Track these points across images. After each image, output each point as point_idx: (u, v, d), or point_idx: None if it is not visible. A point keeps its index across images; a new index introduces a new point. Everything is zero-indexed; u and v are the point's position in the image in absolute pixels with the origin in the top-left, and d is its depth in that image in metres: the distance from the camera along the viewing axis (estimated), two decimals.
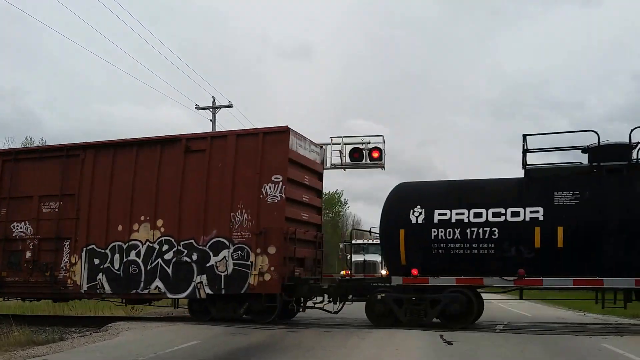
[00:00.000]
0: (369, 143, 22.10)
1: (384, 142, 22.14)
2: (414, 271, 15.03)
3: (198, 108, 35.72)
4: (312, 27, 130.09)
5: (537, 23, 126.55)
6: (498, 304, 22.53)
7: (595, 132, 14.49)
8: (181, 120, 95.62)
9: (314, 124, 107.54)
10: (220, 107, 35.66)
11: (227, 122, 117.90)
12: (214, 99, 35.81)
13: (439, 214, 15.11)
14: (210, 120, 35.37)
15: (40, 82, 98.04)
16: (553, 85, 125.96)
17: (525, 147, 15.00)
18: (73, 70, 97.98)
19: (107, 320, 17.72)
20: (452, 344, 12.01)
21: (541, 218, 14.35)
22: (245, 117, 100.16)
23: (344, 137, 22.79)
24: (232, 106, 35.69)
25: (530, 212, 14.44)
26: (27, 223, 18.59)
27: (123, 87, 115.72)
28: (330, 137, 22.71)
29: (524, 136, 15.09)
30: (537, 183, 15.00)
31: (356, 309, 16.55)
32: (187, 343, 12.63)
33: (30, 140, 54.91)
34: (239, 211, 16.29)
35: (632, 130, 14.28)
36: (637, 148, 14.43)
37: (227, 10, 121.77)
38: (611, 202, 14.08)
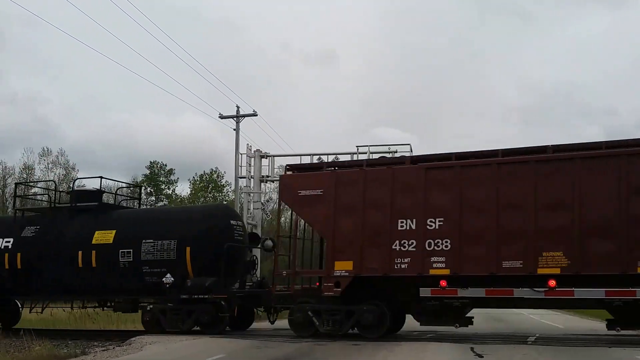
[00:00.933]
0: (396, 152, 21.93)
1: (411, 150, 22.03)
2: None
3: (222, 117, 35.18)
4: (335, 33, 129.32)
5: (566, 27, 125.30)
6: (529, 315, 22.26)
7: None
8: (205, 129, 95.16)
9: (339, 132, 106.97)
10: (244, 115, 35.05)
11: (251, 131, 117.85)
12: (237, 107, 35.29)
13: None
14: (234, 130, 34.96)
15: (58, 90, 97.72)
16: (583, 91, 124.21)
17: (15, 194, 22.08)
18: (92, 78, 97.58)
19: (130, 334, 17.55)
20: (482, 357, 11.75)
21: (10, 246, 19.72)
22: (270, 126, 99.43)
23: (370, 145, 22.65)
24: (256, 115, 35.11)
25: (5, 241, 19.80)
26: None
27: (143, 95, 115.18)
28: (357, 146, 22.62)
29: (16, 185, 20.92)
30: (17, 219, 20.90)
31: None
32: (213, 357, 12.41)
33: (48, 150, 55.20)
34: None
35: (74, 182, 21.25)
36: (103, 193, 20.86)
37: (248, 16, 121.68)
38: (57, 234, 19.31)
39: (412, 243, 14.81)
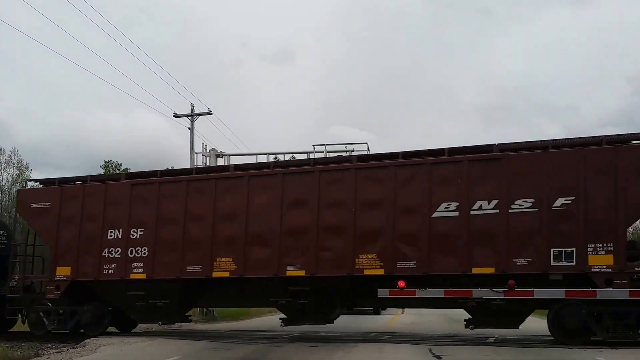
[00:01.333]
0: (353, 151, 21.79)
1: (369, 149, 21.92)
2: None
3: (176, 116, 35.01)
4: (293, 30, 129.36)
5: (528, 24, 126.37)
6: None
7: None
8: (160, 127, 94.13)
9: (296, 130, 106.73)
10: (199, 114, 34.96)
11: (206, 129, 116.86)
12: (192, 106, 35.23)
13: None
14: (189, 128, 34.75)
15: (10, 89, 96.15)
16: (545, 89, 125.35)
17: None
18: (44, 76, 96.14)
19: (84, 336, 17.22)
20: (441, 358, 11.64)
21: None
22: (225, 125, 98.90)
23: (327, 144, 22.52)
24: (211, 113, 35.07)
25: None
26: None
27: (97, 93, 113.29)
28: (313, 145, 22.47)
29: None
30: None
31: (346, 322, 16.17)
32: (169, 358, 12.20)
33: (1, 150, 54.08)
34: None
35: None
36: None
37: (204, 12, 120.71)
38: None
39: (118, 250, 16.90)
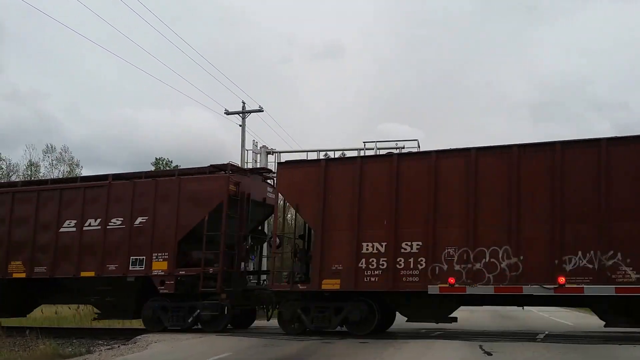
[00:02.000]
0: (404, 147, 21.59)
1: (419, 146, 21.67)
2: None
3: (227, 113, 34.87)
4: (341, 26, 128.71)
5: (575, 19, 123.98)
6: (539, 313, 22.08)
7: None
8: (210, 124, 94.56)
9: (346, 127, 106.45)
10: (250, 111, 34.82)
11: (256, 126, 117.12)
12: (243, 103, 35.09)
13: None
14: (240, 126, 34.63)
15: (60, 85, 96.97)
16: (594, 85, 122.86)
17: None
18: (92, 72, 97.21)
19: (134, 332, 17.46)
20: (491, 354, 11.61)
21: None
22: (276, 121, 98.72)
23: (377, 141, 22.38)
24: (262, 110, 34.80)
25: None
26: None
27: (146, 90, 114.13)
28: (364, 142, 22.32)
29: None
30: None
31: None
32: (219, 355, 12.33)
33: (52, 147, 55.03)
34: None
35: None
36: None
37: (249, 10, 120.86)
38: None
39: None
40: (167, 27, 78.67)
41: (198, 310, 16.98)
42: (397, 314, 16.60)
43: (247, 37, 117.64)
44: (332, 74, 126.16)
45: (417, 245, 14.72)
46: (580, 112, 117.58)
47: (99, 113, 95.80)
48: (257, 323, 19.46)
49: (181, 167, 25.74)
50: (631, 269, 13.16)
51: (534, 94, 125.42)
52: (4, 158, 53.61)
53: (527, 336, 14.99)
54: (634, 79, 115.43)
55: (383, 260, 14.96)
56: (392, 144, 21.76)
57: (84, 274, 18.18)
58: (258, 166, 26.31)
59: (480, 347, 12.53)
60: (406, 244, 14.82)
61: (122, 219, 17.94)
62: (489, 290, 14.12)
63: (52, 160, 54.63)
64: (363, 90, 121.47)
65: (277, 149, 29.44)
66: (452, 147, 15.17)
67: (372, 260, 15.04)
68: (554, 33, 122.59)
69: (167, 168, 51.28)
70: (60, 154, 55.12)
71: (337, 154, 21.95)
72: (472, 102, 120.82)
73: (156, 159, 57.66)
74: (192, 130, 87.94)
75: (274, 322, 17.19)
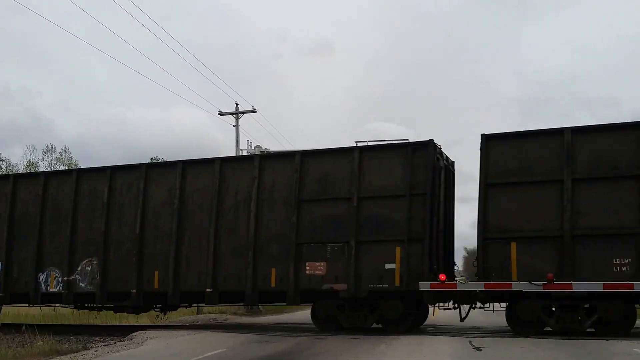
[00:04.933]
0: None
1: None
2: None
3: (221, 114, 35.36)
4: (332, 23, 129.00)
5: (564, 15, 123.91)
6: None
7: None
8: (203, 123, 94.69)
9: (336, 126, 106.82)
10: (243, 112, 35.35)
11: (248, 125, 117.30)
12: (237, 104, 35.51)
13: None
14: (234, 126, 35.08)
15: (49, 84, 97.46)
16: (583, 81, 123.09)
17: None
18: (84, 71, 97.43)
19: (131, 328, 17.64)
20: (481, 350, 11.81)
21: None
22: (268, 121, 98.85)
23: (368, 141, 22.45)
24: (256, 111, 35.39)
25: None
26: None
27: (137, 89, 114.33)
28: (355, 142, 22.33)
29: None
30: None
31: None
32: (213, 351, 12.48)
33: (52, 147, 55.17)
34: None
35: None
36: None
37: (240, 6, 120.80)
38: None
39: None
40: (157, 25, 78.73)
41: None
42: None
43: (238, 34, 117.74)
44: (323, 72, 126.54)
45: None
46: (569, 110, 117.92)
47: (90, 111, 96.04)
48: None
49: None
50: None
51: (523, 90, 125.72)
52: (4, 158, 53.97)
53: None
54: (623, 76, 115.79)
55: None
56: (383, 144, 21.83)
57: None
58: None
59: (471, 342, 12.72)
60: None
61: None
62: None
63: (51, 160, 54.91)
64: (353, 87, 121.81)
65: (271, 149, 29.61)
66: None
67: None
68: (542, 29, 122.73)
69: None
70: (60, 154, 55.71)
71: None
72: (462, 100, 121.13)
73: (151, 158, 57.80)
74: (185, 129, 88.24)
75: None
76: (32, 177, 20.99)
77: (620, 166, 14.02)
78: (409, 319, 15.50)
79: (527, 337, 13.62)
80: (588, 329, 14.16)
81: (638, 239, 13.66)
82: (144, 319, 20.81)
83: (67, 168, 53.70)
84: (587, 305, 14.10)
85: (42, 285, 18.72)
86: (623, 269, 13.63)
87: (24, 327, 15.73)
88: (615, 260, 13.70)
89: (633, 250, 13.63)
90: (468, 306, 15.32)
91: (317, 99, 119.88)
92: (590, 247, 13.92)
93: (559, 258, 14.08)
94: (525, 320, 14.42)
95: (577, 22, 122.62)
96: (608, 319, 13.88)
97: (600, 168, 14.11)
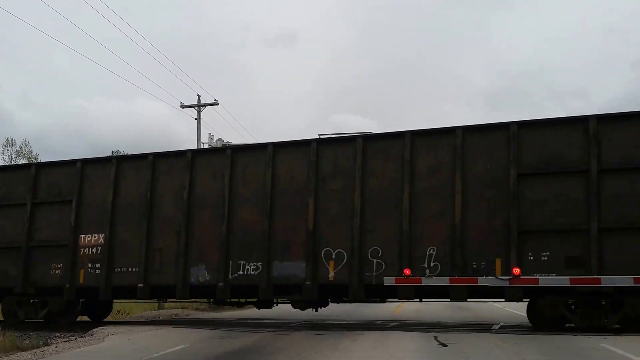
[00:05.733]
0: None
1: None
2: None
3: (183, 106, 35.44)
4: (296, 12, 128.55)
5: (535, 5, 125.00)
6: (494, 304, 22.32)
7: None
8: (165, 116, 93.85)
9: (299, 119, 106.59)
10: (205, 105, 35.40)
11: (210, 117, 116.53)
12: (199, 96, 35.56)
13: None
14: (195, 119, 35.04)
15: (10, 76, 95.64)
16: (552, 72, 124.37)
17: None
18: (44, 63, 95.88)
19: (92, 325, 17.36)
20: (446, 346, 11.71)
21: None
22: (230, 114, 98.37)
23: (332, 134, 22.56)
24: (218, 104, 35.42)
25: None
26: None
27: (98, 81, 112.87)
28: (319, 135, 22.41)
29: None
30: None
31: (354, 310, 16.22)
32: (175, 347, 12.32)
33: (12, 141, 54.25)
34: None
35: None
36: None
37: None
38: None
39: None
40: (119, 17, 77.76)
41: None
42: None
43: (201, 24, 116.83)
44: (287, 63, 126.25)
45: None
46: (539, 100, 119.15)
47: (52, 104, 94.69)
48: None
49: None
50: None
51: (493, 80, 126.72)
52: None
53: (483, 327, 15.17)
54: (593, 67, 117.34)
55: None
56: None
57: None
58: None
59: (436, 338, 12.65)
60: None
61: None
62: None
63: (11, 153, 54.03)
64: (318, 80, 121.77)
65: (233, 142, 29.56)
66: None
67: None
68: (513, 19, 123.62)
69: None
70: (21, 147, 54.61)
71: None
72: (431, 90, 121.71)
73: (112, 152, 57.23)
74: (148, 121, 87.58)
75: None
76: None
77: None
78: None
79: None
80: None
81: None
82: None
83: (27, 161, 53.03)
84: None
85: None
86: None
87: None
88: None
89: None
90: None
91: (282, 90, 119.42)
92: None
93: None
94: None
95: (547, 13, 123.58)
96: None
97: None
